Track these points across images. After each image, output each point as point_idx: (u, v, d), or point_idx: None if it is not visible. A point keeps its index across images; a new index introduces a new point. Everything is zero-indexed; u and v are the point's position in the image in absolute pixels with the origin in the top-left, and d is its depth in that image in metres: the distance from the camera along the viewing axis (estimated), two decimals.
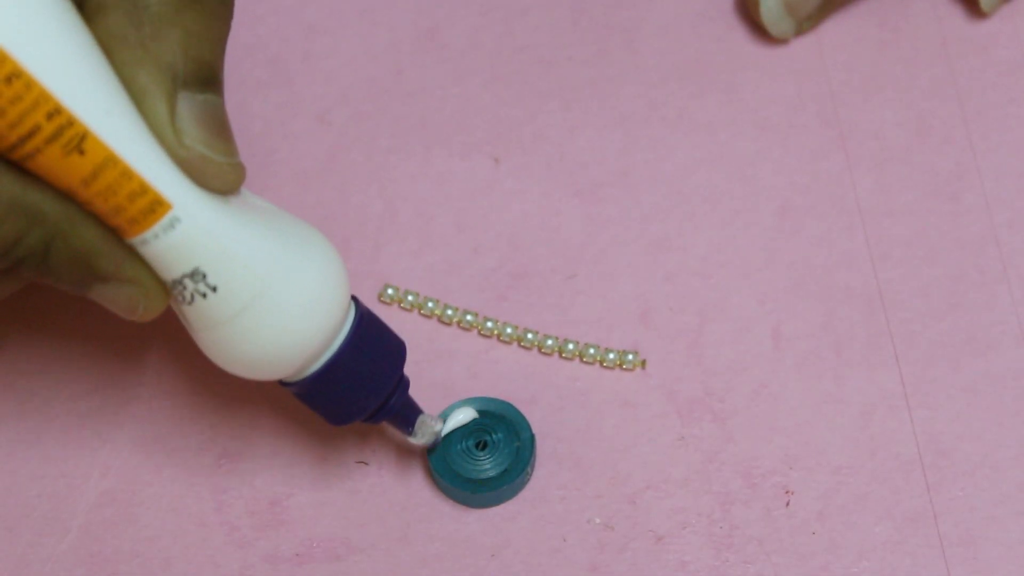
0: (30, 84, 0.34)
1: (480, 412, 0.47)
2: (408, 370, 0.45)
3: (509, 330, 0.50)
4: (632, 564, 0.46)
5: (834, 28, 0.56)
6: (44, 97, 0.35)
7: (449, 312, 0.50)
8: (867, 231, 0.52)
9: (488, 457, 0.47)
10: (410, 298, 0.51)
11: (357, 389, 0.42)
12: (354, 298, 0.43)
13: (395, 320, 0.50)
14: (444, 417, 0.47)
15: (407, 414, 0.45)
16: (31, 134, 0.35)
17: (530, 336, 0.50)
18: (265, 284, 0.39)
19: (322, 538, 0.47)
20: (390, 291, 0.51)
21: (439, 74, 0.56)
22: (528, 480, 0.47)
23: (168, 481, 0.48)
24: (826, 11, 0.56)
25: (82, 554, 0.47)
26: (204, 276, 0.38)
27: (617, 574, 0.46)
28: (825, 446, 0.48)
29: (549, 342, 0.50)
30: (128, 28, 0.36)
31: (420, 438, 0.45)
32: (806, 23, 0.56)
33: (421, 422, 0.45)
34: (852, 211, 0.52)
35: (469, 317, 0.50)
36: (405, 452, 0.48)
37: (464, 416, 0.47)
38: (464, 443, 0.47)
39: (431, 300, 0.51)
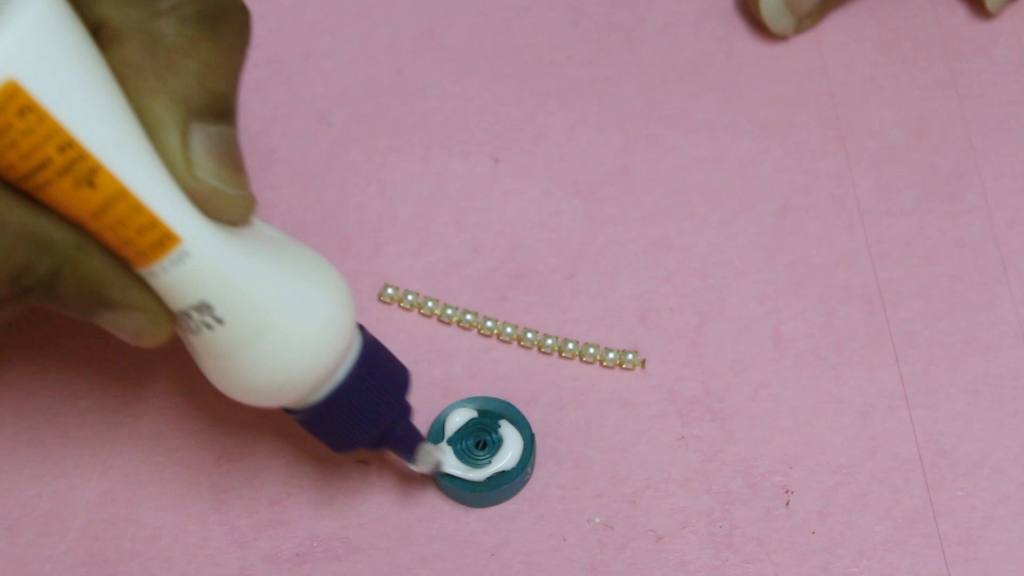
0: (43, 117, 0.34)
1: (480, 412, 0.47)
2: (408, 369, 0.44)
3: (509, 330, 0.50)
4: (632, 564, 0.46)
5: (834, 28, 0.56)
6: (56, 130, 0.34)
7: (449, 312, 0.50)
8: (867, 231, 0.52)
9: (488, 457, 0.47)
10: (410, 298, 0.51)
11: (360, 418, 0.42)
12: (359, 326, 0.43)
13: (395, 320, 0.50)
14: (443, 418, 0.47)
15: (409, 441, 0.45)
16: (42, 166, 0.35)
17: (530, 336, 0.50)
18: (271, 318, 0.39)
19: (322, 538, 0.47)
20: (390, 291, 0.51)
21: (439, 74, 0.56)
22: (528, 480, 0.47)
23: (168, 481, 0.48)
24: (826, 8, 0.56)
25: (82, 554, 0.47)
26: (211, 309, 0.38)
27: (617, 574, 0.46)
28: (825, 446, 0.48)
29: (549, 342, 0.50)
30: (144, 58, 0.36)
31: (421, 466, 0.45)
32: (806, 20, 0.56)
33: (422, 450, 0.45)
34: (852, 211, 0.52)
35: (469, 317, 0.50)
36: None
37: (463, 416, 0.47)
38: (464, 443, 0.47)
39: (431, 300, 0.51)
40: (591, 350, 0.49)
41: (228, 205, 0.38)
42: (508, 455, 0.47)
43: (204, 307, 0.38)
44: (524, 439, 0.47)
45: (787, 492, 0.47)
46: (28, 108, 0.34)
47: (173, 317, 0.39)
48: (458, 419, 0.47)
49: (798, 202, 0.53)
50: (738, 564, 0.46)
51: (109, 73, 0.36)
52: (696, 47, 0.56)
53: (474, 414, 0.47)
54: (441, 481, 0.47)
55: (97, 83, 0.35)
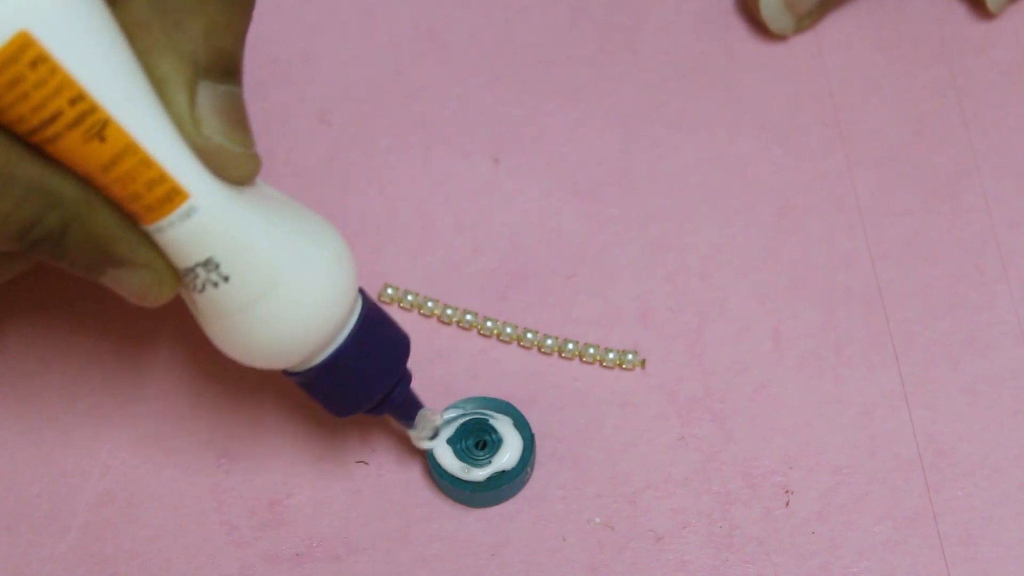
0: (55, 69, 0.34)
1: (480, 412, 0.47)
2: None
3: (509, 330, 0.50)
4: (632, 564, 0.46)
5: (834, 28, 0.56)
6: (68, 83, 0.35)
7: (449, 312, 0.50)
8: (867, 231, 0.52)
9: (488, 457, 0.47)
10: (410, 298, 0.51)
11: (361, 381, 0.43)
12: (361, 290, 0.43)
13: (395, 319, 0.50)
14: (444, 415, 0.47)
15: (408, 408, 0.45)
16: (53, 118, 0.35)
17: (530, 336, 0.50)
18: (277, 276, 0.39)
19: (322, 538, 0.47)
20: (390, 291, 0.51)
21: (439, 74, 0.56)
22: (528, 480, 0.47)
23: (168, 481, 0.48)
24: (826, 8, 0.56)
25: (82, 554, 0.47)
26: (217, 266, 0.38)
27: (617, 574, 0.46)
28: (825, 446, 0.48)
29: (549, 342, 0.50)
30: (152, 16, 0.37)
31: (420, 431, 0.45)
32: (806, 20, 0.56)
33: (421, 416, 0.45)
34: (852, 211, 0.52)
35: (469, 317, 0.50)
36: (405, 452, 0.48)
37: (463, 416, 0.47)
38: (464, 443, 0.47)
39: (431, 300, 0.51)
40: (591, 350, 0.49)
41: (234, 163, 0.38)
42: (508, 455, 0.47)
43: (210, 264, 0.38)
44: (524, 439, 0.47)
45: (787, 492, 0.47)
46: (40, 60, 0.34)
47: (178, 275, 0.39)
48: (458, 419, 0.47)
49: (798, 202, 0.53)
50: (738, 564, 0.46)
51: (119, 29, 0.36)
52: (696, 47, 0.56)
53: (475, 414, 0.47)
54: (441, 481, 0.47)
55: (108, 38, 0.36)
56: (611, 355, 0.49)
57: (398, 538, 0.47)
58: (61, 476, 0.48)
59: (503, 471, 0.46)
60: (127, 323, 0.50)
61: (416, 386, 0.45)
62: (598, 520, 0.47)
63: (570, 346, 0.49)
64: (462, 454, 0.47)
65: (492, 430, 0.47)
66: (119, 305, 0.50)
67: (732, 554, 0.46)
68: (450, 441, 0.47)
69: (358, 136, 0.54)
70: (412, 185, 0.53)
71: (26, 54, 0.34)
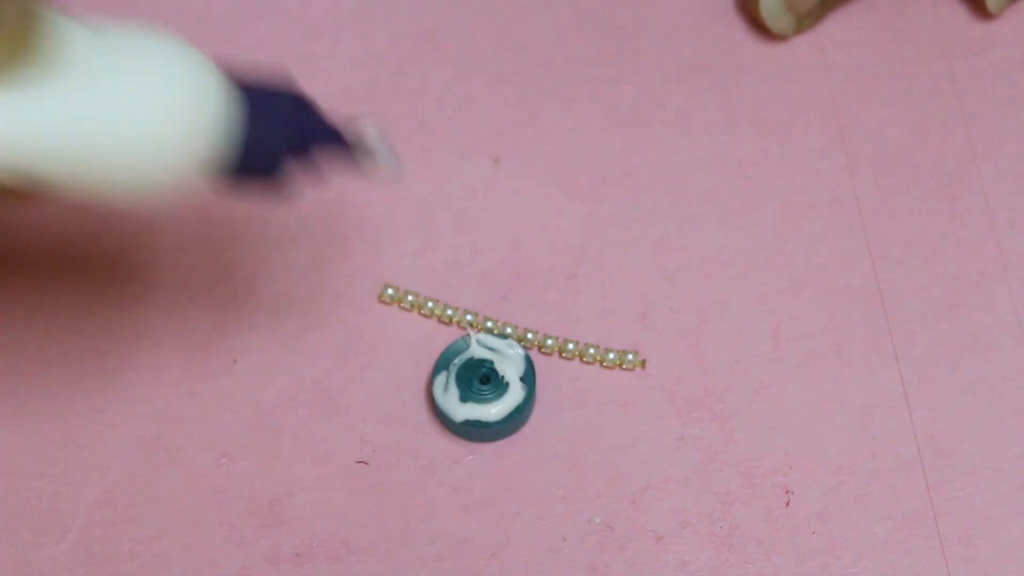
0: None
1: (485, 348, 0.49)
2: (407, 369, 0.44)
3: (509, 330, 0.50)
4: (632, 564, 0.46)
5: (834, 28, 0.56)
6: None
7: (449, 312, 0.50)
8: (867, 231, 0.52)
9: (491, 391, 0.47)
10: (410, 298, 0.51)
11: (275, 143, 0.40)
12: (231, 74, 0.40)
13: (395, 320, 0.50)
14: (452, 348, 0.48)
15: (341, 142, 0.42)
16: None
17: (530, 336, 0.50)
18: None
19: (322, 538, 0.47)
20: (390, 291, 0.51)
21: (439, 74, 0.56)
22: (531, 415, 0.48)
23: (168, 481, 0.48)
24: (826, 8, 0.56)
25: (82, 554, 0.47)
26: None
27: (617, 574, 0.46)
28: (825, 446, 0.48)
29: (549, 342, 0.50)
30: None
31: (366, 149, 0.42)
32: (806, 20, 0.56)
33: (353, 134, 0.42)
34: (852, 211, 0.52)
35: (469, 317, 0.50)
36: (405, 452, 0.48)
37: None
38: (468, 383, 0.48)
39: (431, 300, 0.51)
40: (591, 350, 0.49)
41: None
42: (514, 391, 0.48)
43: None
44: (524, 367, 0.48)
45: (787, 492, 0.47)
46: None
47: None
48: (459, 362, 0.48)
49: (798, 202, 0.53)
50: (738, 564, 0.46)
51: None
52: (696, 47, 0.56)
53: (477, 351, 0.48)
54: (456, 425, 0.47)
55: None
56: (611, 355, 0.49)
57: (398, 538, 0.47)
58: (61, 476, 0.48)
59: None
60: (127, 323, 0.50)
61: (417, 387, 0.45)
62: (598, 520, 0.47)
63: (570, 346, 0.49)
64: (467, 395, 0.47)
65: (490, 364, 0.48)
66: (119, 305, 0.50)
67: (732, 554, 0.46)
68: (458, 381, 0.48)
69: None
70: (412, 185, 0.53)
71: None
